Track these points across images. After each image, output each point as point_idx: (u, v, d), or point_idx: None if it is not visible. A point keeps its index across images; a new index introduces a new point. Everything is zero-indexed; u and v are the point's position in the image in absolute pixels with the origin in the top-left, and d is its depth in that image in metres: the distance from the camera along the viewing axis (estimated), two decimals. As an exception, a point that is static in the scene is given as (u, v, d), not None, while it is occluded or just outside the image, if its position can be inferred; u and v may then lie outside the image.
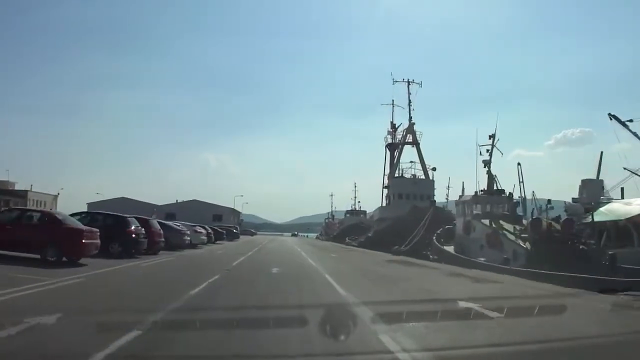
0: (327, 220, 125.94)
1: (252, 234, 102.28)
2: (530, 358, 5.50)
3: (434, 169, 49.35)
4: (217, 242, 44.66)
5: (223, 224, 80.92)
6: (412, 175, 50.25)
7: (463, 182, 40.40)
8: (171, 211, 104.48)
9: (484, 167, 27.79)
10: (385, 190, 58.15)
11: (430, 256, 27.90)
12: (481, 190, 27.95)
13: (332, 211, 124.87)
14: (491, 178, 27.55)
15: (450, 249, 27.48)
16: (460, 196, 30.19)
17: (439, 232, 30.83)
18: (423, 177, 50.17)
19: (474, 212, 26.88)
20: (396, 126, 58.51)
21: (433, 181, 48.61)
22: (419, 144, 53.71)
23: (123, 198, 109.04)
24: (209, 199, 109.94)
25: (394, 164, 57.16)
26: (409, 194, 47.81)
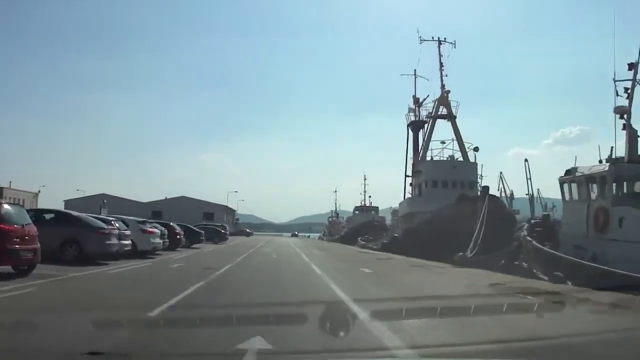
0: (331, 219, 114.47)
1: (248, 235, 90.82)
2: None
3: (476, 149, 37.61)
4: (194, 246, 33.23)
5: (214, 222, 70.75)
6: (450, 156, 38.63)
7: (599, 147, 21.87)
8: (157, 209, 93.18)
9: (620, 117, 16.54)
10: (409, 180, 46.72)
11: (535, 271, 16.16)
12: (610, 160, 16.59)
13: (336, 208, 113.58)
14: (635, 138, 16.26)
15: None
16: (571, 170, 18.36)
17: (530, 228, 19.17)
18: (461, 159, 38.60)
19: (611, 193, 15.67)
20: (420, 100, 47.25)
21: (476, 164, 37.14)
22: (455, 117, 41.90)
23: (103, 194, 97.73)
24: (206, 198, 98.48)
25: (419, 146, 45.73)
26: (447, 180, 36.18)
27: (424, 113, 46.44)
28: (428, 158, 40.21)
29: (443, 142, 39.60)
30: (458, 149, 38.47)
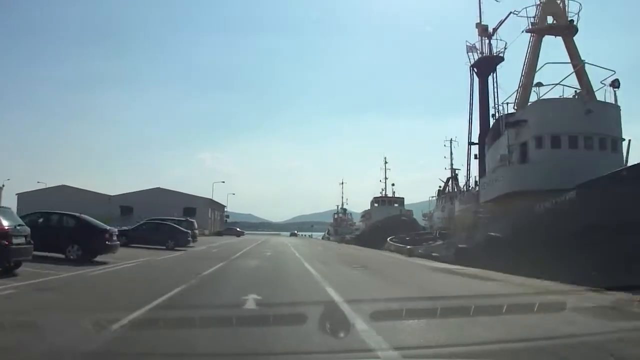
0: (337, 216, 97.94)
1: (238, 234, 74.48)
2: None
3: (615, 84, 19.93)
4: (108, 257, 16.91)
5: (188, 218, 55.33)
6: (577, 93, 20.76)
7: None
8: (127, 203, 76.71)
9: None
10: (475, 151, 30.59)
11: None
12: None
13: (342, 203, 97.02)
14: None
15: None
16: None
17: None
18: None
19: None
20: (490, 29, 31.19)
21: (618, 108, 20.16)
22: (575, 30, 24.43)
23: (64, 186, 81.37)
24: (189, 190, 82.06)
25: (490, 96, 29.75)
26: (576, 134, 19.43)
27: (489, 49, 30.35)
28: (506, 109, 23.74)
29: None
30: (578, 87, 21.86)
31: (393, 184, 60.64)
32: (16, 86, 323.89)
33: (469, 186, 32.39)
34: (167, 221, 30.26)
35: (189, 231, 27.86)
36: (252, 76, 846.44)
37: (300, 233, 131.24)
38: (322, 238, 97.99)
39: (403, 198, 60.43)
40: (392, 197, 61.36)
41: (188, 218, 34.18)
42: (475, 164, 31.21)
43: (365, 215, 62.13)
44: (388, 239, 39.91)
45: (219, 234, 73.80)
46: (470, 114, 32.81)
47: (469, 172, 32.25)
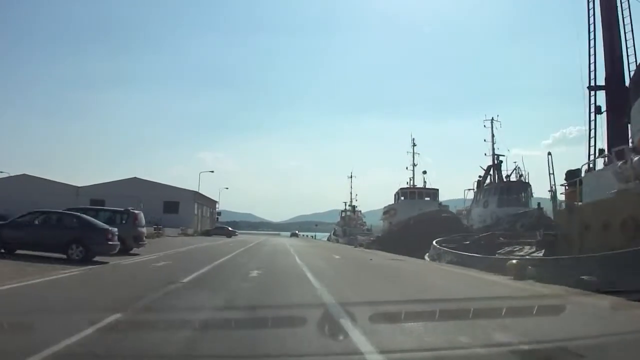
0: (346, 214, 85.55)
1: (229, 234, 62.31)
2: None
3: None
4: None
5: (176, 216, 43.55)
6: None
7: None
8: (99, 195, 64.34)
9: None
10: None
11: None
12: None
13: (352, 200, 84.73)
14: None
15: None
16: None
17: None
18: None
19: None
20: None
21: None
22: None
23: (25, 176, 69.12)
24: (171, 182, 69.33)
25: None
26: None
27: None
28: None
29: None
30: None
31: (424, 172, 48.11)
32: (17, 87, 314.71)
33: (593, 156, 20.07)
34: (85, 212, 17.87)
35: (110, 229, 15.37)
36: (252, 75, 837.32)
37: (301, 233, 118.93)
38: (328, 239, 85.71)
39: (437, 189, 48.13)
40: (423, 188, 49.19)
41: (130, 208, 21.70)
42: (600, 122, 19.27)
43: (389, 212, 48.88)
44: (435, 242, 27.64)
45: (207, 233, 61.60)
46: (591, 43, 20.65)
47: (591, 134, 20.05)
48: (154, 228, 43.38)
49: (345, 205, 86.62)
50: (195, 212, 64.58)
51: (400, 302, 8.95)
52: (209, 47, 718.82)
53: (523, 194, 44.48)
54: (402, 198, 49.38)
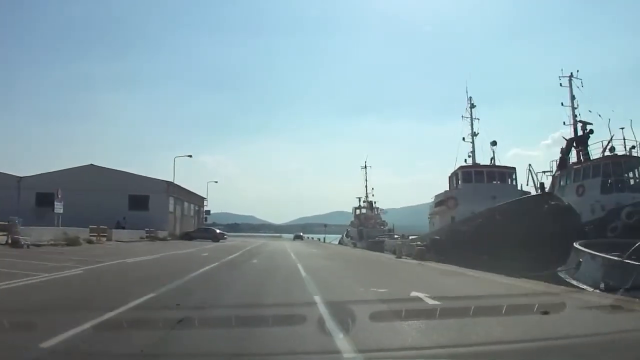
0: (361, 213, 70.74)
1: (217, 238, 48.16)
2: None
3: None
4: None
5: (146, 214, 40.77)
6: None
7: None
8: (48, 188, 49.53)
9: None
10: None
11: None
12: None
13: (367, 193, 69.99)
14: None
15: None
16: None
17: None
18: None
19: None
20: None
21: None
22: None
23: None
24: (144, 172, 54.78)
25: None
26: None
27: None
28: None
29: None
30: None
31: (494, 143, 32.09)
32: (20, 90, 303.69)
33: None
34: None
35: None
36: (252, 77, 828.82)
37: (306, 236, 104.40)
38: (340, 242, 71.04)
39: (514, 168, 32.91)
40: (493, 165, 32.39)
41: None
42: None
43: (447, 202, 32.11)
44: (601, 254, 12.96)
45: (188, 236, 47.17)
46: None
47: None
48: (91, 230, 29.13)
49: (360, 201, 72.00)
50: (171, 208, 50.03)
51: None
52: (209, 49, 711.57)
53: (636, 174, 30.31)
54: (463, 181, 32.94)
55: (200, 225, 63.88)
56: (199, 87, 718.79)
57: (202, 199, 68.84)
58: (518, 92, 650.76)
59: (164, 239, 42.49)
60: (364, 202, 71.20)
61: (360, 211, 71.11)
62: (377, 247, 45.77)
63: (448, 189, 33.99)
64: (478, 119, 34.89)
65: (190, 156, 53.21)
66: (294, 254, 26.75)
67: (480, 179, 31.74)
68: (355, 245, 50.00)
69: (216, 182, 73.92)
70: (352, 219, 72.56)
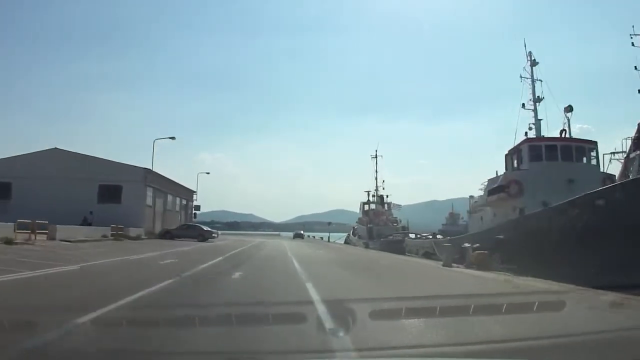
0: (370, 209, 62.85)
1: (204, 237, 40.59)
2: None
3: None
4: None
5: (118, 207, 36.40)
6: None
7: None
8: (1, 177, 41.82)
9: None
10: None
11: None
12: None
13: (377, 186, 62.18)
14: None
15: None
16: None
17: None
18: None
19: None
20: None
21: None
22: None
23: None
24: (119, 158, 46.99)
25: None
26: None
27: None
28: None
29: None
30: None
31: (569, 109, 23.92)
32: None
33: None
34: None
35: None
36: (252, 77, 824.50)
37: (307, 234, 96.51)
38: (346, 242, 63.36)
39: (595, 142, 24.72)
40: (569, 138, 24.38)
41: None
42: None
43: (509, 187, 23.85)
44: None
45: (169, 235, 39.63)
46: None
47: None
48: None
49: (368, 195, 64.00)
50: (149, 201, 42.23)
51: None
52: (210, 49, 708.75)
53: None
54: (530, 159, 24.21)
55: (188, 221, 56.18)
56: (199, 86, 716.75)
57: (191, 192, 61.11)
58: (518, 90, 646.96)
59: (136, 238, 34.81)
60: (373, 196, 63.34)
61: (369, 207, 63.17)
62: (394, 247, 38.19)
63: (506, 170, 25.61)
64: (541, 81, 26.91)
65: (173, 138, 45.34)
66: (297, 260, 19.15)
67: (552, 156, 23.46)
68: (367, 246, 42.34)
69: (208, 173, 65.93)
70: (360, 215, 64.48)
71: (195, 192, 61.65)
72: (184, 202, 57.69)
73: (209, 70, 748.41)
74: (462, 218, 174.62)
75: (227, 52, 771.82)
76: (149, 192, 42.18)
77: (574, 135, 25.14)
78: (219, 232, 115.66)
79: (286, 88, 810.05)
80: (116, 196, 40.19)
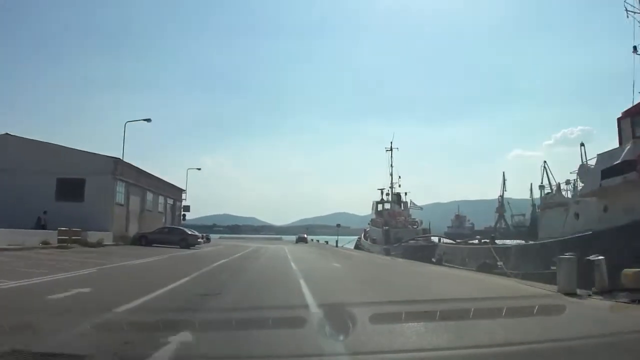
0: (384, 209, 54.71)
1: (189, 243, 32.72)
2: None
3: None
4: None
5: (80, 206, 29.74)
6: None
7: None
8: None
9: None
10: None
11: None
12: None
13: (392, 183, 54.21)
14: None
15: None
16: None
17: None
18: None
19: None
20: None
21: None
22: None
23: None
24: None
25: None
26: None
27: None
28: None
29: None
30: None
31: None
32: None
33: None
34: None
35: None
36: (254, 80, 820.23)
37: (310, 237, 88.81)
38: (356, 247, 55.40)
39: None
40: None
41: None
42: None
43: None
44: None
45: (145, 240, 32.08)
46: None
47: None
48: None
49: (382, 193, 55.72)
50: (120, 199, 34.33)
51: None
52: (212, 51, 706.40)
53: None
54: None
55: (175, 225, 48.37)
56: (200, 88, 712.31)
57: (180, 190, 53.27)
58: (520, 93, 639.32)
59: (96, 244, 27.07)
60: (386, 194, 55.11)
61: (383, 207, 54.96)
62: (423, 255, 30.46)
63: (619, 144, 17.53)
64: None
65: (149, 120, 37.50)
66: (306, 281, 11.56)
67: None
68: (388, 253, 34.41)
69: (199, 169, 58.80)
70: (373, 216, 56.10)
71: (184, 190, 53.93)
72: (170, 201, 49.82)
73: (211, 72, 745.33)
74: (469, 220, 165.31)
75: (230, 54, 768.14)
76: (120, 188, 34.34)
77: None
78: (217, 235, 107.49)
79: (289, 90, 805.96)
80: (78, 192, 32.39)
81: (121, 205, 34.61)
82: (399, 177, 54.73)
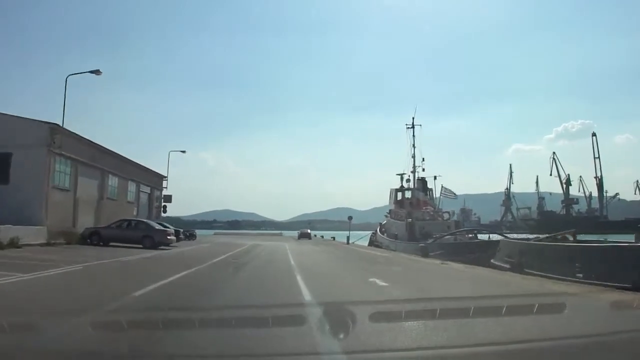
0: (404, 197, 45.38)
1: (154, 243, 23.22)
2: None
3: None
4: None
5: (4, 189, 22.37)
6: None
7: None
8: None
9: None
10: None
11: None
12: None
13: (415, 168, 45.09)
14: None
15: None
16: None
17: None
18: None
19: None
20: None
21: None
22: None
23: None
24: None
25: None
26: None
27: None
28: None
29: None
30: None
31: None
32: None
33: None
34: None
35: None
36: (254, 76, 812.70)
37: (314, 233, 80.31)
38: (370, 243, 46.46)
39: None
40: None
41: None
42: None
43: None
44: None
45: (97, 237, 23.19)
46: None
47: None
48: None
49: (402, 179, 46.02)
50: (62, 181, 25.35)
51: None
52: (212, 48, 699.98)
53: None
54: None
55: (158, 218, 39.72)
56: (200, 85, 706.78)
57: (160, 177, 44.30)
58: (520, 88, 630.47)
59: (9, 245, 18.23)
60: (407, 181, 45.63)
61: (404, 195, 45.54)
62: (471, 256, 21.78)
63: None
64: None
65: (99, 72, 28.41)
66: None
67: None
68: (426, 254, 25.42)
69: (183, 151, 50.39)
70: (392, 206, 46.57)
71: (165, 177, 44.93)
72: (146, 189, 40.83)
73: (211, 69, 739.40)
74: (475, 214, 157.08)
75: (230, 50, 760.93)
76: (62, 166, 25.33)
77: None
78: (213, 231, 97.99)
79: (289, 86, 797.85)
80: (2, 171, 23.46)
81: (65, 190, 25.61)
82: (423, 159, 45.43)
